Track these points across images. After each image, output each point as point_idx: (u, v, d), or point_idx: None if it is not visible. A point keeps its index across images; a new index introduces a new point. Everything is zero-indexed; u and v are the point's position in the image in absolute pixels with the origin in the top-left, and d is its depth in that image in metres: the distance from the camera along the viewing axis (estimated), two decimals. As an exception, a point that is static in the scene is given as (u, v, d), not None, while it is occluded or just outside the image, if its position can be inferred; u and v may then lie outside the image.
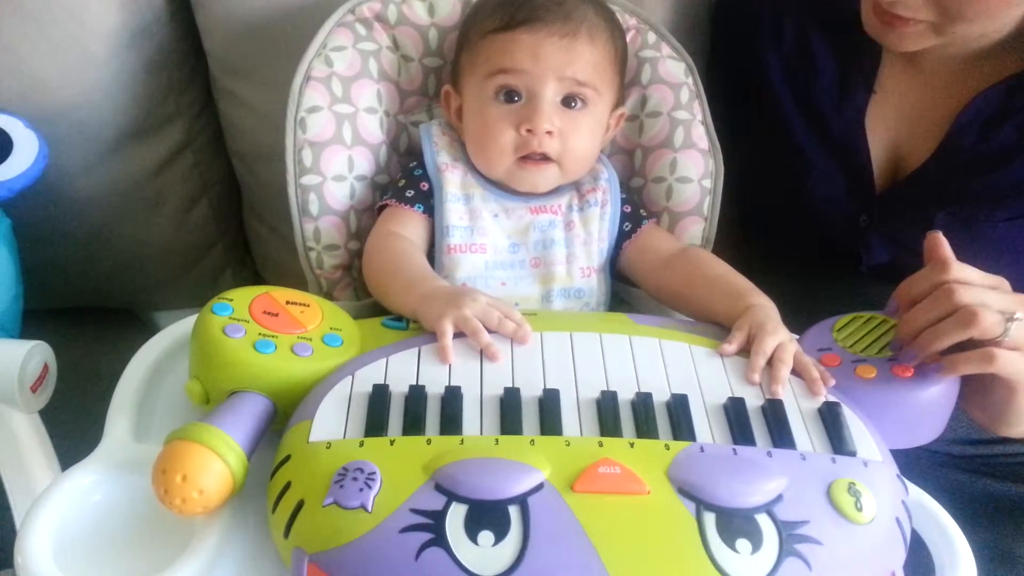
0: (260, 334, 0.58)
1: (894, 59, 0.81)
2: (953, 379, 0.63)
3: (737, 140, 0.85)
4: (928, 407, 0.63)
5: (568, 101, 0.72)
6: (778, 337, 0.63)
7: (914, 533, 0.55)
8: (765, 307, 0.67)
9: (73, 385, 0.74)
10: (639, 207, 0.79)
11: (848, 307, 0.70)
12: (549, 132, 0.71)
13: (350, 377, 0.57)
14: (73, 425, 0.70)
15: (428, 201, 0.74)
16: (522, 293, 0.73)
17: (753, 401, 0.59)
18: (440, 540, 0.46)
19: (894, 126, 0.84)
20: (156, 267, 1.03)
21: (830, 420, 0.58)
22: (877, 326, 0.68)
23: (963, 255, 0.63)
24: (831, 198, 0.85)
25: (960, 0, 0.70)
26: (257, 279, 1.11)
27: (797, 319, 0.67)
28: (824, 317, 0.69)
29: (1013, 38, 0.75)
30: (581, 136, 0.73)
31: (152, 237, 1.00)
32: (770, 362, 0.61)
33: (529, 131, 0.71)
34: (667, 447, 0.53)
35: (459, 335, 0.60)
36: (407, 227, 0.73)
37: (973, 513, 0.61)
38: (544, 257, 0.74)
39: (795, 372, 0.62)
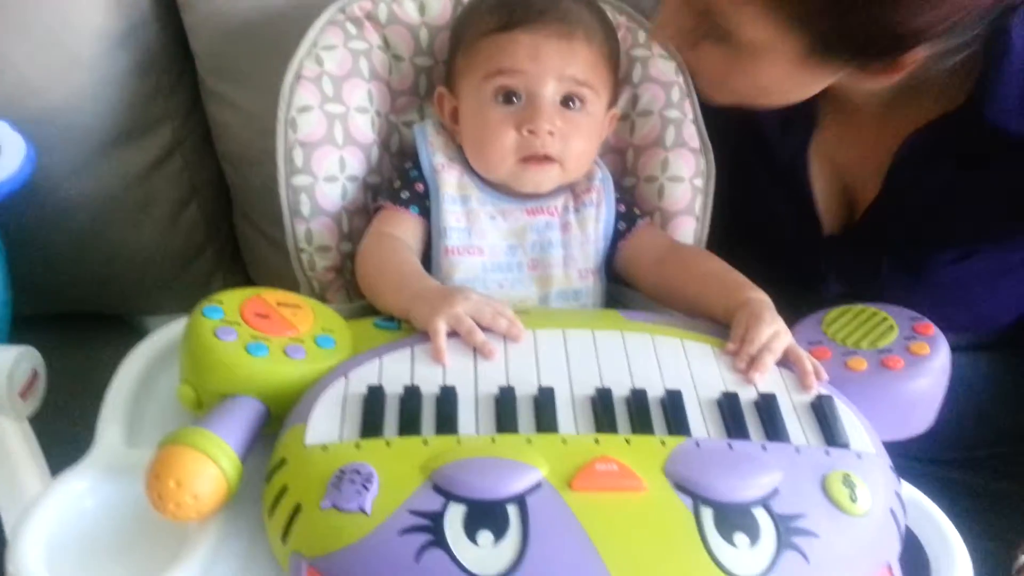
0: (252, 337, 0.57)
1: (832, 93, 0.73)
2: (943, 369, 0.64)
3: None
4: (919, 397, 0.64)
5: (567, 101, 0.72)
6: (773, 327, 0.63)
7: (908, 532, 0.55)
8: (761, 300, 0.67)
9: (62, 391, 0.73)
10: (633, 206, 0.79)
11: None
12: (551, 132, 0.71)
13: (344, 379, 0.57)
14: (63, 431, 0.69)
15: (423, 203, 0.74)
16: (520, 295, 0.73)
17: (747, 395, 0.59)
18: (440, 541, 0.46)
19: (841, 164, 0.81)
20: (146, 271, 1.02)
21: (823, 413, 0.58)
22: (868, 319, 0.68)
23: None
24: (782, 227, 0.84)
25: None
26: (248, 283, 1.11)
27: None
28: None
29: (947, 74, 0.69)
30: (581, 136, 0.73)
31: (142, 241, 1.00)
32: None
33: (531, 132, 0.70)
34: (663, 443, 0.53)
35: (452, 334, 0.60)
36: (401, 229, 0.73)
37: (965, 509, 0.61)
38: (541, 259, 0.74)
39: (788, 364, 0.62)
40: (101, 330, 1.04)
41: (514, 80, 0.71)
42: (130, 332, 1.06)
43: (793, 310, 0.67)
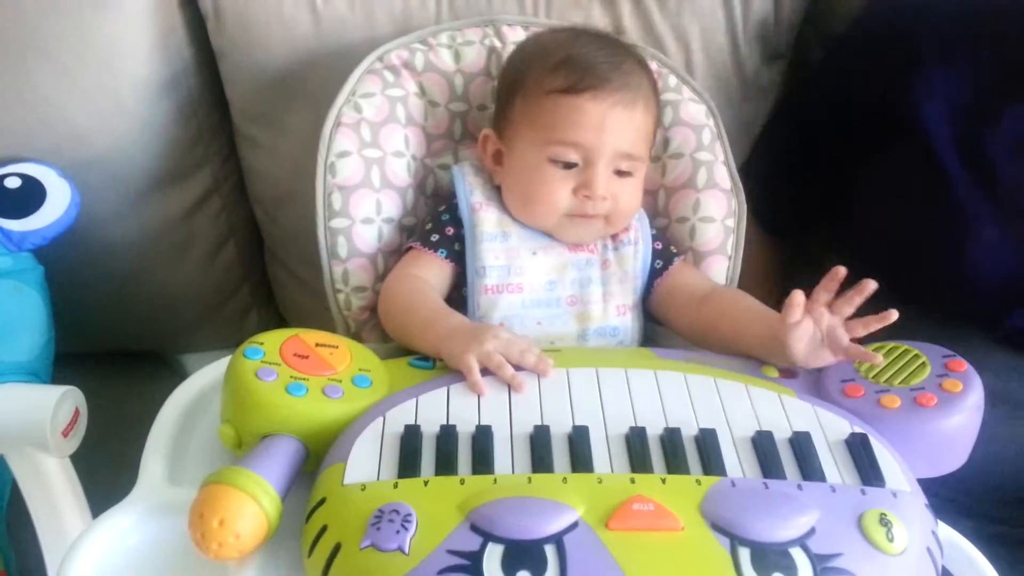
0: (292, 377, 0.59)
1: None
2: (977, 407, 0.64)
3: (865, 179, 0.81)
4: (952, 435, 0.64)
5: (619, 170, 0.73)
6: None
7: (946, 572, 0.54)
8: None
9: (102, 429, 0.75)
10: (669, 245, 0.80)
11: None
12: (603, 198, 0.72)
13: (381, 418, 0.58)
14: (103, 470, 0.71)
15: (453, 247, 0.75)
16: (558, 332, 0.73)
17: (781, 434, 0.59)
18: None
19: None
20: (184, 310, 1.04)
21: (858, 450, 0.58)
22: (899, 356, 0.68)
23: None
24: (995, 258, 0.78)
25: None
26: (280, 320, 1.12)
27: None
28: None
29: None
30: (629, 198, 0.74)
31: (181, 280, 1.02)
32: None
33: (587, 197, 0.72)
34: (698, 482, 0.54)
35: (484, 372, 0.61)
36: (427, 271, 0.74)
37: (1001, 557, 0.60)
38: (581, 296, 0.75)
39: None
40: (140, 368, 1.06)
41: (577, 151, 0.72)
42: (168, 369, 1.08)
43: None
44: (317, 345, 0.62)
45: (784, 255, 1.03)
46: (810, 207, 0.96)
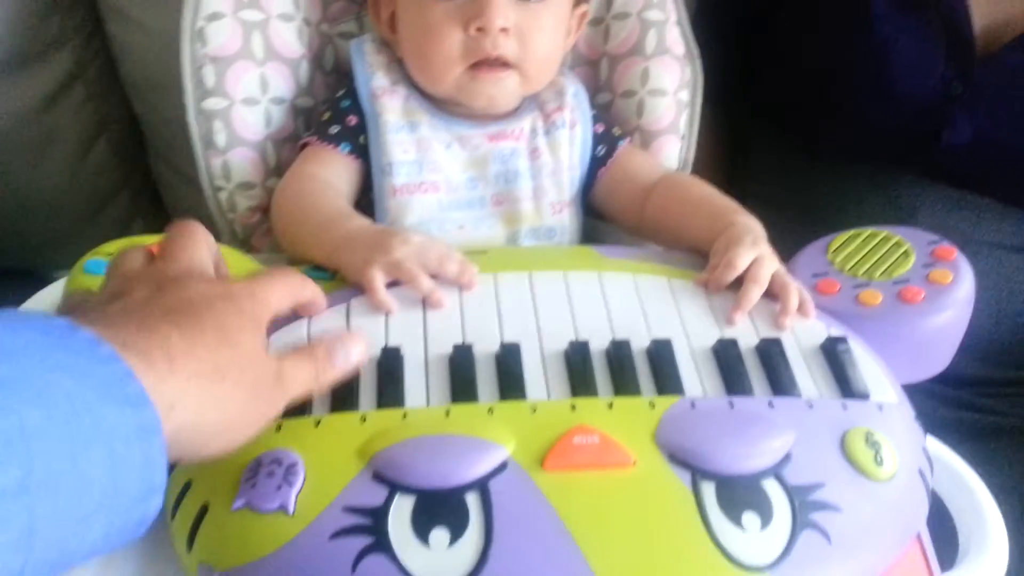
0: (148, 297, 0.47)
1: None
2: (968, 300, 0.56)
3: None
4: (941, 334, 0.56)
5: None
6: (755, 251, 0.54)
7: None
8: (747, 224, 0.58)
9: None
10: (612, 126, 0.69)
11: (871, 220, 0.62)
12: (504, 29, 0.59)
13: None
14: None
15: (357, 139, 0.63)
16: (484, 236, 0.63)
17: (747, 341, 0.50)
18: (382, 544, 0.38)
19: None
20: (53, 218, 0.92)
21: (837, 358, 0.50)
22: (878, 244, 0.60)
23: None
24: (918, 68, 0.76)
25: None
26: (174, 228, 1.00)
27: (819, 230, 0.62)
28: (845, 229, 0.61)
29: None
30: (542, 33, 0.62)
31: (45, 183, 0.89)
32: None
33: (480, 30, 0.59)
34: (652, 405, 0.45)
35: (393, 284, 0.51)
36: (328, 169, 0.62)
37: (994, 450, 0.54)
38: (508, 193, 0.64)
39: (773, 296, 0.53)
40: (9, 286, 0.93)
41: None
42: (40, 288, 0.95)
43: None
44: (182, 255, 0.50)
45: (725, 127, 0.95)
46: (741, 66, 0.90)
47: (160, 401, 0.31)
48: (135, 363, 0.31)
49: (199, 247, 0.43)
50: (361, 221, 0.57)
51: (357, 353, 0.44)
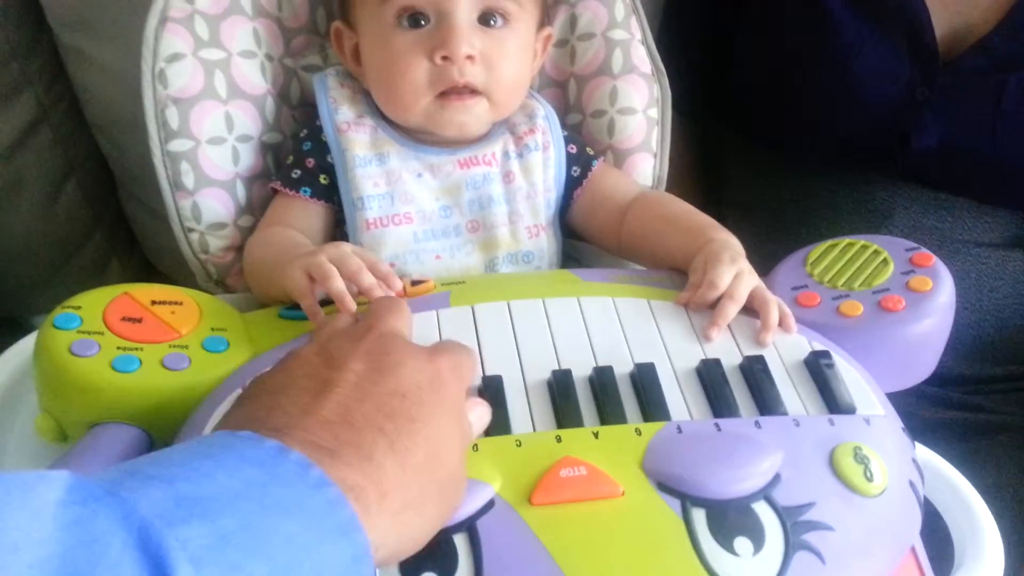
0: (119, 348, 0.46)
1: None
2: (949, 306, 0.56)
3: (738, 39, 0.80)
4: (923, 341, 0.56)
5: (486, 18, 0.60)
6: (735, 267, 0.54)
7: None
8: (725, 240, 0.58)
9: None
10: (585, 146, 0.68)
11: (848, 225, 0.62)
12: (470, 57, 0.59)
13: (241, 390, 0.46)
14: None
15: (318, 180, 0.62)
16: (461, 265, 0.62)
17: (730, 360, 0.50)
18: None
19: None
20: (25, 264, 0.90)
21: (820, 372, 0.49)
22: (855, 253, 0.60)
23: None
24: (882, 74, 0.77)
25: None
26: (151, 270, 0.98)
27: (795, 237, 0.62)
28: (821, 236, 0.61)
29: None
30: (508, 59, 0.61)
31: (16, 229, 0.87)
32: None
33: (445, 58, 0.59)
34: (638, 432, 0.44)
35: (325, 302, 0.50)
36: (293, 216, 0.62)
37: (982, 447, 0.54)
38: (483, 219, 0.63)
39: (754, 311, 0.53)
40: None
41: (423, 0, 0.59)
42: (22, 334, 0.93)
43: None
44: (153, 303, 0.50)
45: (696, 139, 0.95)
46: (709, 78, 0.90)
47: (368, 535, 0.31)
48: (347, 494, 0.31)
49: (405, 319, 0.43)
50: (312, 248, 0.56)
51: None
